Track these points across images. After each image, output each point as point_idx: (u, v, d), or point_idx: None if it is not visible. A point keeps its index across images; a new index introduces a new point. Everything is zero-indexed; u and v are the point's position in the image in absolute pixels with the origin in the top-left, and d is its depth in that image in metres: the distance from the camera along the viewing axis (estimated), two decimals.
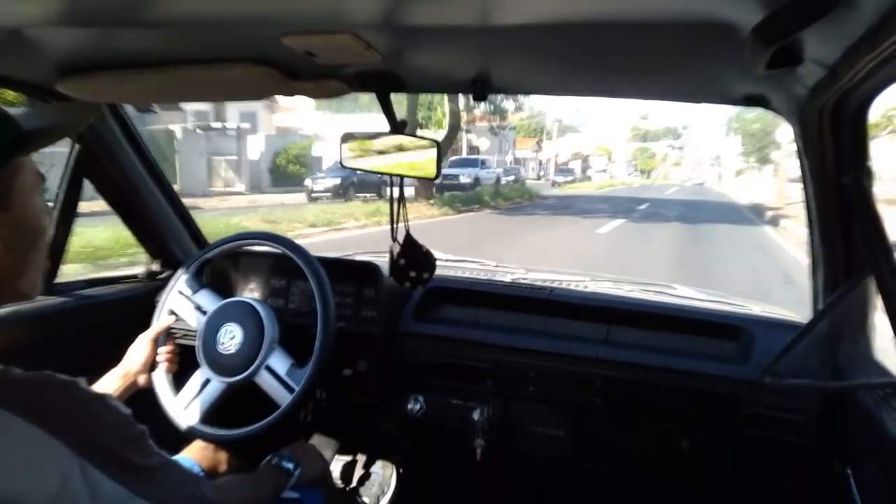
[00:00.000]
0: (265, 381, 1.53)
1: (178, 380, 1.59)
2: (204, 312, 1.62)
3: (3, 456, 0.69)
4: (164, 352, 1.56)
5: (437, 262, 2.17)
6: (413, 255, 1.54)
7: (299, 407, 1.50)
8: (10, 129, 0.77)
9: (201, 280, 1.72)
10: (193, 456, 1.50)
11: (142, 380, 1.48)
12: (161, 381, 1.56)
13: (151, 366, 1.52)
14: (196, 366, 1.58)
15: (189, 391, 1.57)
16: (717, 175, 61.31)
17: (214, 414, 1.55)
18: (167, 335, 1.59)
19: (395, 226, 1.51)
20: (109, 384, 1.42)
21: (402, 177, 1.50)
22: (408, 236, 1.52)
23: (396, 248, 1.53)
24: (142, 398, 1.43)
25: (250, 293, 1.90)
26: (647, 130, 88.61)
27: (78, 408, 0.77)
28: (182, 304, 1.66)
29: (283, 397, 1.50)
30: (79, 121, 0.98)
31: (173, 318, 1.64)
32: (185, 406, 1.55)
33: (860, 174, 1.10)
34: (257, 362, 1.52)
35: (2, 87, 1.39)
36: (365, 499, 2.07)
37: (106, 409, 0.80)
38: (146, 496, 0.81)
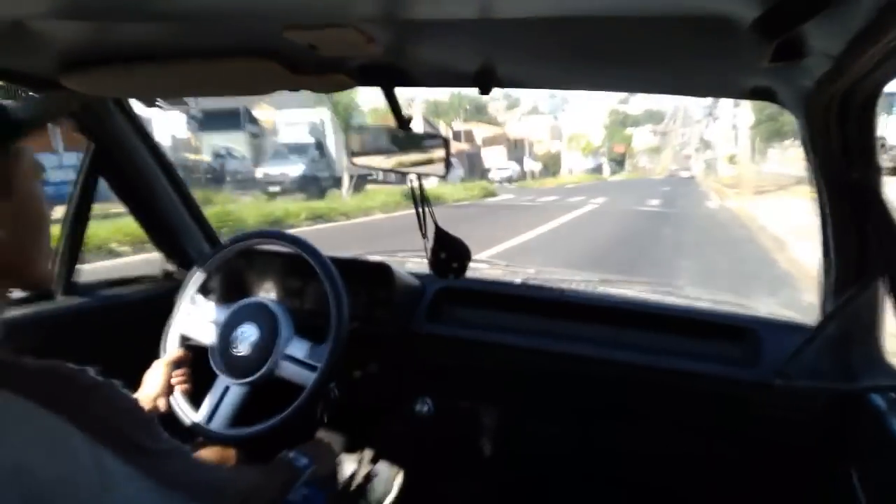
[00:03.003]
0: (286, 369, 1.51)
1: (197, 396, 1.57)
2: (216, 323, 1.61)
3: (18, 436, 0.71)
4: (179, 374, 1.54)
5: None
6: (450, 246, 1.54)
7: (326, 382, 1.48)
8: (3, 116, 0.78)
9: (207, 290, 1.71)
10: (201, 454, 1.50)
11: (161, 404, 1.47)
12: (180, 403, 1.55)
13: (169, 390, 1.51)
14: (211, 375, 1.57)
15: (209, 403, 1.55)
16: (702, 162, 47.95)
17: (238, 419, 1.53)
18: (182, 359, 1.57)
19: (423, 221, 1.52)
20: None
21: (409, 174, 1.51)
22: (438, 229, 1.53)
23: (430, 244, 1.54)
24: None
25: (265, 293, 1.91)
26: (626, 114, 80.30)
27: (87, 392, 0.78)
28: (192, 324, 1.65)
29: (307, 378, 1.48)
30: (61, 106, 0.98)
31: (186, 347, 1.62)
32: (206, 419, 1.53)
33: (870, 169, 1.08)
34: (275, 355, 1.51)
35: (4, 80, 1.41)
36: (370, 499, 2.07)
37: (115, 394, 0.81)
38: (157, 478, 0.81)
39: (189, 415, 1.54)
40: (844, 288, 1.30)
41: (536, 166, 50.01)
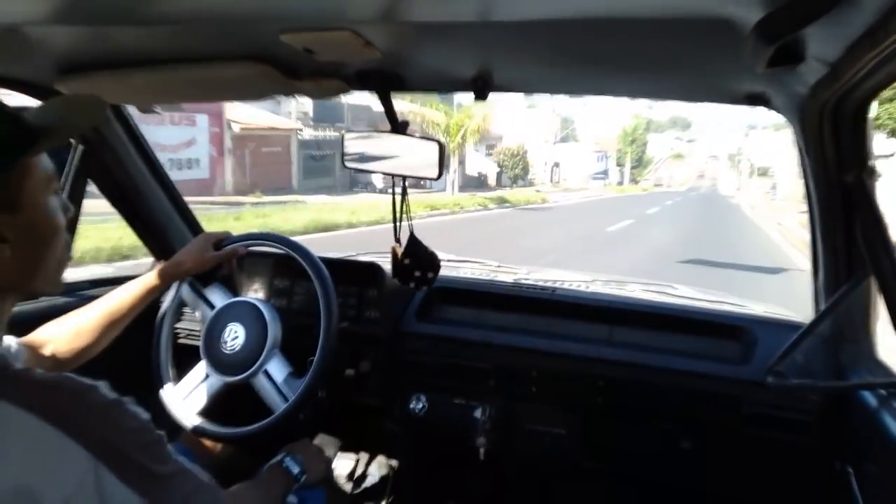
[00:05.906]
0: (262, 385, 1.53)
1: (181, 371, 1.61)
2: (212, 307, 1.63)
3: (21, 453, 0.69)
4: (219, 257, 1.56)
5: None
6: (417, 255, 1.54)
7: (290, 418, 1.50)
8: (16, 127, 0.75)
9: (212, 275, 1.71)
10: (187, 443, 1.52)
11: (187, 269, 1.51)
12: (164, 369, 1.59)
13: (200, 265, 1.53)
14: (198, 359, 1.59)
15: (189, 383, 1.58)
16: (736, 176, 40.44)
17: (211, 409, 1.56)
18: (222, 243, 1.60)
19: (398, 226, 1.51)
20: (161, 272, 1.45)
21: (403, 177, 1.50)
22: (412, 236, 1.52)
23: (400, 249, 1.53)
24: (144, 391, 1.44)
25: (255, 293, 1.91)
26: (649, 120, 76.64)
27: (95, 412, 0.76)
28: (193, 296, 1.67)
29: (277, 405, 1.51)
30: (90, 116, 0.95)
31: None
32: (183, 397, 1.57)
33: (862, 173, 1.09)
34: (256, 366, 1.53)
35: (1, 86, 1.39)
36: (367, 498, 2.07)
37: (123, 415, 0.79)
38: (159, 503, 0.79)
39: (168, 386, 1.58)
40: (836, 287, 1.31)
41: (491, 169, 38.73)
